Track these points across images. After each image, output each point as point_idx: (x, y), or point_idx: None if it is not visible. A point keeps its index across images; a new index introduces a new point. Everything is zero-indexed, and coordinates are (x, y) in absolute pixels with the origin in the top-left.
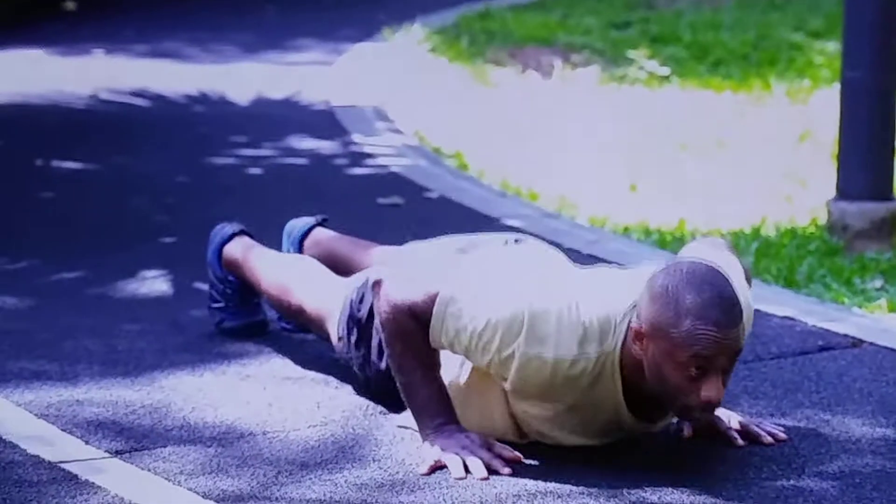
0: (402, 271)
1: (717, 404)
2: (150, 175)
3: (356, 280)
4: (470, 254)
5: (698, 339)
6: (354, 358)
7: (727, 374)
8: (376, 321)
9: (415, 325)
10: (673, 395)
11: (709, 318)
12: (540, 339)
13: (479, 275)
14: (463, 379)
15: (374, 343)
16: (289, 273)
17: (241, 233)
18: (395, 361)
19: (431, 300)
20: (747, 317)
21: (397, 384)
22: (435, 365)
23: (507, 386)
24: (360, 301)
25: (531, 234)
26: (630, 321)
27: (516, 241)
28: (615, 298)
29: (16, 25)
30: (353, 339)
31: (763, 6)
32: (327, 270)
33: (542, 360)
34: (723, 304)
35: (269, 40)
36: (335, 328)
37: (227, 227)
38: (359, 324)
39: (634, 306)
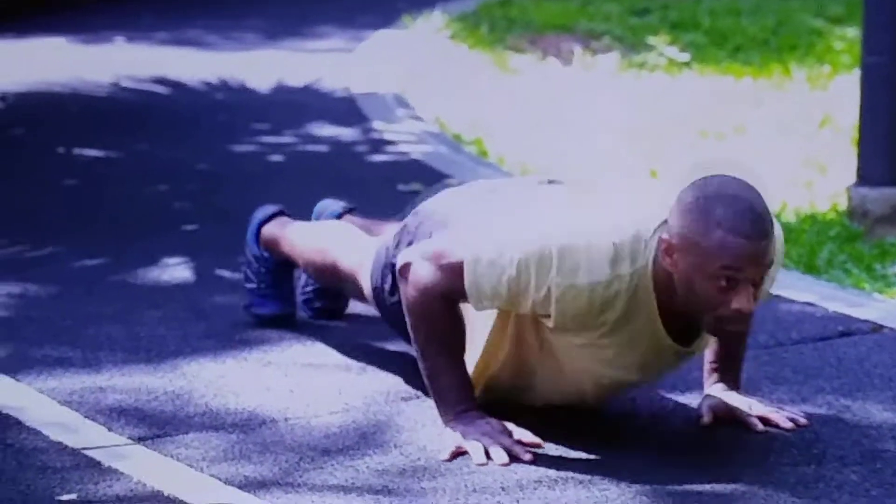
0: (424, 249)
1: (749, 315)
2: (172, 162)
3: (391, 231)
4: (499, 193)
5: (728, 249)
6: (390, 306)
7: (758, 287)
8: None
9: (445, 306)
10: (704, 308)
11: (739, 229)
12: (572, 269)
13: (501, 222)
14: (494, 345)
15: None
16: (325, 234)
17: (281, 213)
18: (419, 346)
19: (459, 273)
20: (779, 237)
21: (421, 369)
22: (460, 350)
23: (549, 323)
24: (396, 246)
25: None
26: (660, 236)
27: (550, 182)
28: (644, 216)
29: (37, 14)
30: (388, 285)
31: None
32: (362, 233)
33: (577, 289)
34: (753, 215)
35: (289, 27)
36: (368, 280)
37: (269, 208)
38: (393, 269)
39: (665, 222)
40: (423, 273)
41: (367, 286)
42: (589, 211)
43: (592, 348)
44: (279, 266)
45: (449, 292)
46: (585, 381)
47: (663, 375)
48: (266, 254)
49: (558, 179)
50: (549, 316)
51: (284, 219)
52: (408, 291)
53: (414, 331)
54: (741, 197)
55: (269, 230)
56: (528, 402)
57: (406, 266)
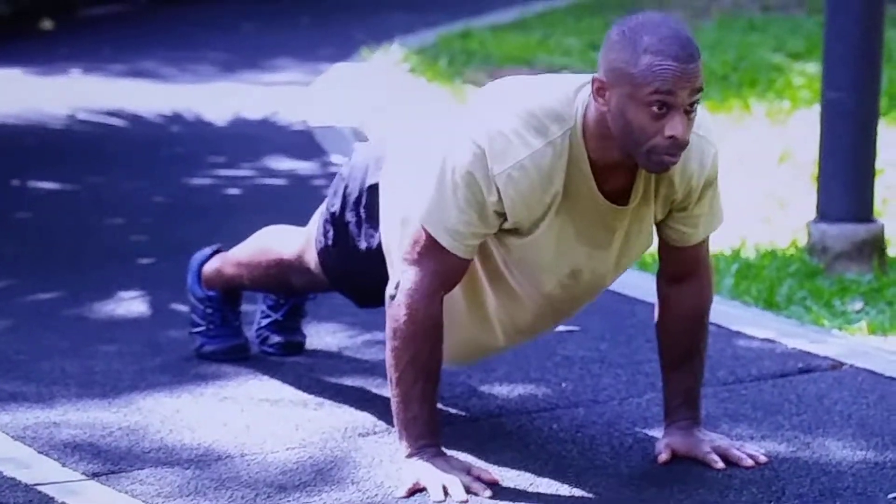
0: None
1: (683, 142)
2: (128, 195)
3: (321, 207)
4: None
5: (658, 73)
6: (336, 259)
7: (690, 114)
8: (351, 200)
9: (432, 323)
10: (639, 141)
11: (667, 52)
12: (503, 152)
13: (423, 156)
14: (452, 304)
15: (352, 225)
16: (261, 237)
17: (218, 251)
18: (396, 371)
19: (429, 240)
20: (714, 154)
21: (392, 395)
22: (436, 380)
23: (508, 224)
24: (334, 195)
25: None
26: (592, 78)
27: None
28: (561, 84)
29: None
30: (331, 237)
31: (743, 27)
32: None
33: (517, 169)
34: (680, 40)
35: (246, 60)
36: (314, 252)
37: (205, 250)
38: (333, 217)
39: (585, 83)
40: (407, 278)
41: (313, 258)
42: (502, 103)
43: (547, 236)
44: (226, 303)
45: (438, 272)
46: (546, 285)
47: (619, 262)
48: (211, 293)
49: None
50: (507, 216)
51: (221, 254)
52: (397, 310)
53: (394, 355)
54: (666, 24)
55: (208, 268)
56: (492, 349)
57: (392, 289)
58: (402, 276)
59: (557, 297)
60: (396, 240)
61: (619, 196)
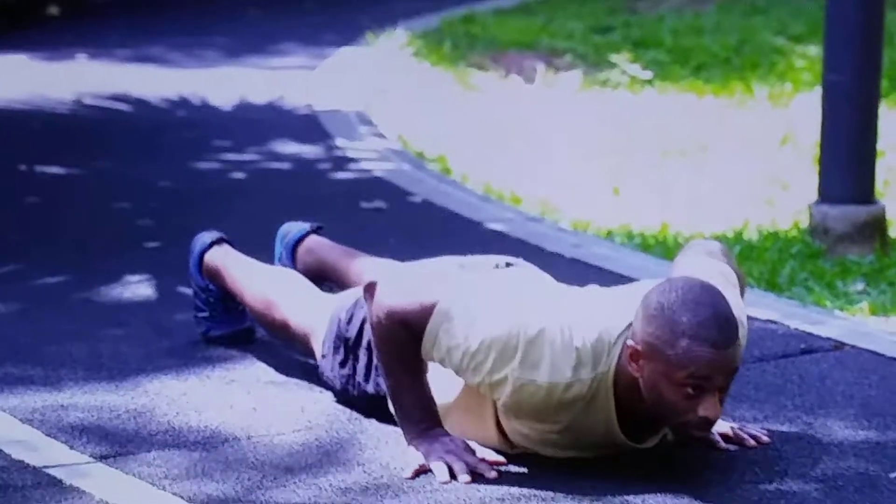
0: (398, 277)
1: (714, 422)
2: (135, 180)
3: (346, 298)
4: (466, 272)
5: (694, 359)
6: (338, 377)
7: (724, 391)
8: (365, 340)
9: (406, 334)
10: (670, 414)
11: (705, 338)
12: (533, 365)
13: (475, 293)
14: (453, 391)
15: (361, 364)
16: (273, 288)
17: (221, 241)
18: (384, 365)
19: (427, 313)
20: (743, 334)
21: (385, 387)
22: (423, 370)
23: (499, 405)
24: (349, 321)
25: (515, 238)
26: (625, 341)
27: (507, 264)
28: (608, 320)
29: None
30: (339, 358)
31: (745, 10)
32: (312, 286)
33: (536, 386)
34: (718, 323)
35: (252, 45)
36: (320, 345)
37: (206, 236)
38: (346, 343)
39: (629, 326)
40: (390, 295)
41: (318, 349)
42: (559, 310)
43: (542, 441)
44: (226, 294)
45: (412, 323)
46: (536, 450)
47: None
48: (211, 286)
49: (514, 260)
50: (499, 399)
51: (226, 247)
52: (372, 310)
53: (378, 349)
54: (706, 303)
55: (211, 261)
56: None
57: (372, 284)
58: (385, 285)
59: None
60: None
61: (639, 432)
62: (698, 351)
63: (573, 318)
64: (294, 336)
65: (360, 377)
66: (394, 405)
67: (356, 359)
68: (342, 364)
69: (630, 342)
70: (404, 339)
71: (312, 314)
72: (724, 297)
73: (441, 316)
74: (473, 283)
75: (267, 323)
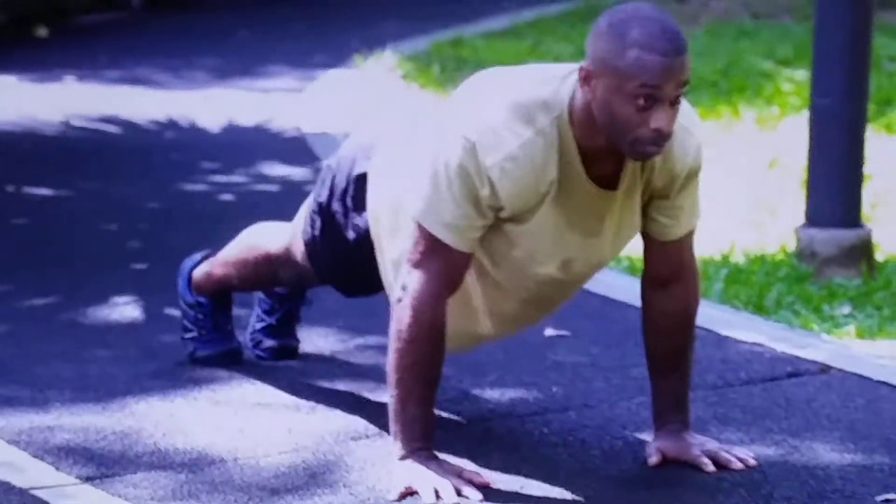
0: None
1: (668, 134)
2: (123, 201)
3: (305, 206)
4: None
5: (644, 67)
6: (323, 251)
7: (675, 105)
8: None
9: (431, 347)
10: (623, 131)
11: (653, 47)
12: (496, 145)
13: (413, 152)
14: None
15: (339, 219)
16: (248, 234)
17: (208, 256)
18: (397, 372)
19: (428, 238)
20: (698, 145)
21: (389, 395)
22: (436, 384)
23: (504, 213)
24: (321, 186)
25: None
26: (580, 66)
27: None
28: (548, 72)
29: None
30: (318, 229)
31: (733, 33)
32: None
33: (511, 159)
34: (667, 35)
35: (240, 66)
36: (301, 244)
37: (195, 256)
38: (320, 208)
39: (572, 71)
40: (413, 280)
41: (300, 249)
42: (488, 95)
43: (540, 225)
44: (216, 309)
45: (442, 273)
46: (538, 275)
47: (612, 250)
48: (202, 298)
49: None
50: (503, 208)
51: (210, 258)
52: (402, 312)
53: (397, 356)
54: (654, 17)
55: (198, 274)
56: (483, 337)
57: (399, 291)
58: (407, 279)
59: (547, 289)
60: (386, 227)
61: (607, 181)
62: (647, 59)
63: (511, 88)
64: (279, 259)
65: (342, 230)
66: (395, 415)
67: (332, 215)
68: (322, 233)
69: (583, 65)
70: (429, 350)
71: (285, 229)
72: (670, 15)
73: (424, 215)
74: (403, 145)
75: (255, 273)
